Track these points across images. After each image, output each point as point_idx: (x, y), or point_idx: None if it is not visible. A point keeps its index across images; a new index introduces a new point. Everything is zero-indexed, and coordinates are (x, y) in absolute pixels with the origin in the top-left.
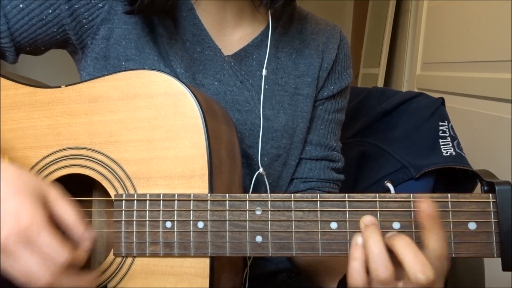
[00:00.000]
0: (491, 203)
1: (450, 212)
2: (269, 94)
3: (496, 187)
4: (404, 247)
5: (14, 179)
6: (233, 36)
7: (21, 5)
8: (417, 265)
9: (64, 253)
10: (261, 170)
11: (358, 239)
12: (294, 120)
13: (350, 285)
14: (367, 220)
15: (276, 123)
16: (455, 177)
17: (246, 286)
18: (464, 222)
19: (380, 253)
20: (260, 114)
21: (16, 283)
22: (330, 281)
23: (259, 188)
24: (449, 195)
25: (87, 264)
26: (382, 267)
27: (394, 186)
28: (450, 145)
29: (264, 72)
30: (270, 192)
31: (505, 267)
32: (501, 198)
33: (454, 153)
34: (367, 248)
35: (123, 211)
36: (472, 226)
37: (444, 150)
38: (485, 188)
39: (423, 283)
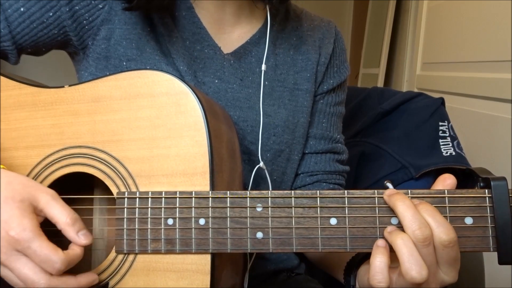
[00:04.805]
0: (487, 198)
1: (447, 207)
2: (268, 90)
3: (492, 183)
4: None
5: (3, 187)
6: (232, 34)
7: (22, 9)
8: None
9: (57, 256)
10: (261, 164)
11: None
12: (295, 115)
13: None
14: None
15: (277, 118)
16: (455, 177)
17: (246, 285)
18: (461, 217)
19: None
20: (261, 110)
21: None
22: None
23: (262, 184)
24: (446, 190)
25: (88, 262)
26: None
27: (394, 186)
28: (450, 145)
29: (263, 67)
30: (275, 188)
31: (502, 261)
32: (497, 193)
33: (454, 153)
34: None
35: (125, 209)
36: (468, 221)
37: (444, 150)
38: (481, 184)
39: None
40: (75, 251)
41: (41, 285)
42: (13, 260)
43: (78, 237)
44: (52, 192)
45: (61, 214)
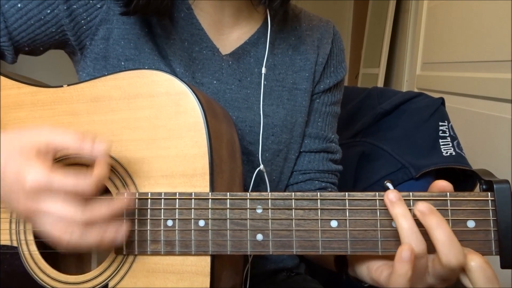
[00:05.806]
0: (489, 201)
1: (449, 210)
2: (267, 90)
3: (495, 186)
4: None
5: (3, 149)
6: (230, 35)
7: (19, 5)
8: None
9: (84, 180)
10: (261, 167)
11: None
12: (293, 114)
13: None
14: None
15: (276, 118)
16: (455, 177)
17: (247, 285)
18: (463, 220)
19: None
20: (259, 111)
21: (60, 242)
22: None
23: (261, 184)
24: (448, 193)
25: (88, 262)
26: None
27: (394, 186)
28: (450, 145)
29: (263, 70)
30: (273, 187)
31: (504, 265)
32: (500, 197)
33: (454, 153)
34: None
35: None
36: (471, 224)
37: (444, 150)
38: (484, 186)
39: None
40: (99, 164)
41: (79, 216)
42: (43, 207)
43: (95, 148)
44: (45, 129)
45: (66, 138)
